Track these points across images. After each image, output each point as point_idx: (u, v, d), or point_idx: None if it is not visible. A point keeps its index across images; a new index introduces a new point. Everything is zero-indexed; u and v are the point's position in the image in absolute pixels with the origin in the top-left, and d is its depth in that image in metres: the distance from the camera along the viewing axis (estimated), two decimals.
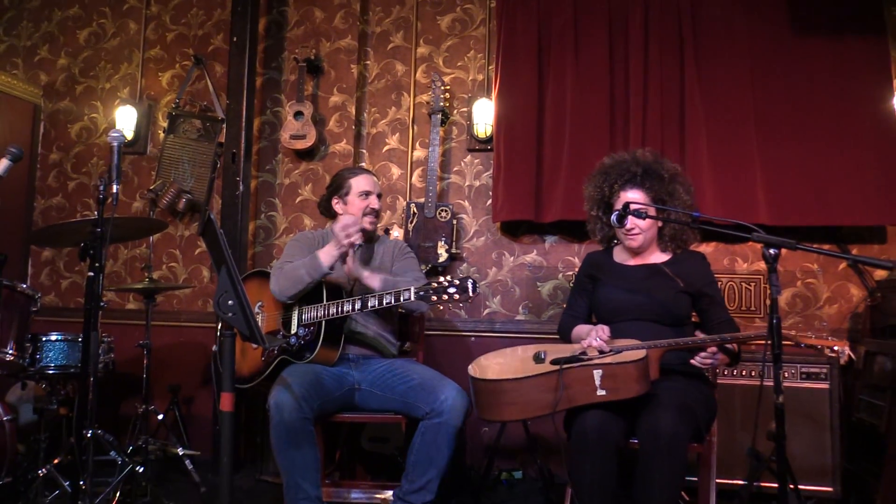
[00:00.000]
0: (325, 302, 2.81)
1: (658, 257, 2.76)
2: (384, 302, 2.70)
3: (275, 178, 4.34)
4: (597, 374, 2.34)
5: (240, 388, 3.00)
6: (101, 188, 2.52)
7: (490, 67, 4.19)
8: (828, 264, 3.83)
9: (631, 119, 3.85)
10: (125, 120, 4.43)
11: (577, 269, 3.73)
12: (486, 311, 4.12)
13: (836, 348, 2.28)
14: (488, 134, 4.10)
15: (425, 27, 4.32)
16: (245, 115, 4.07)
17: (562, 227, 3.98)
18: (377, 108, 4.33)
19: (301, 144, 4.16)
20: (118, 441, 3.30)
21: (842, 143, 3.69)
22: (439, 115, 4.05)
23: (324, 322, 2.80)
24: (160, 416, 3.85)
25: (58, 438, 3.36)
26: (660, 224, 2.71)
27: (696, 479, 2.75)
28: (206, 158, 4.34)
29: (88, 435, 2.82)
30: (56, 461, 3.09)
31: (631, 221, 2.62)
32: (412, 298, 2.63)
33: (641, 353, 2.35)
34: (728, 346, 2.48)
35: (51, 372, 3.25)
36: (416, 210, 4.00)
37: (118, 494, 3.02)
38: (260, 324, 3.01)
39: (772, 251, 2.11)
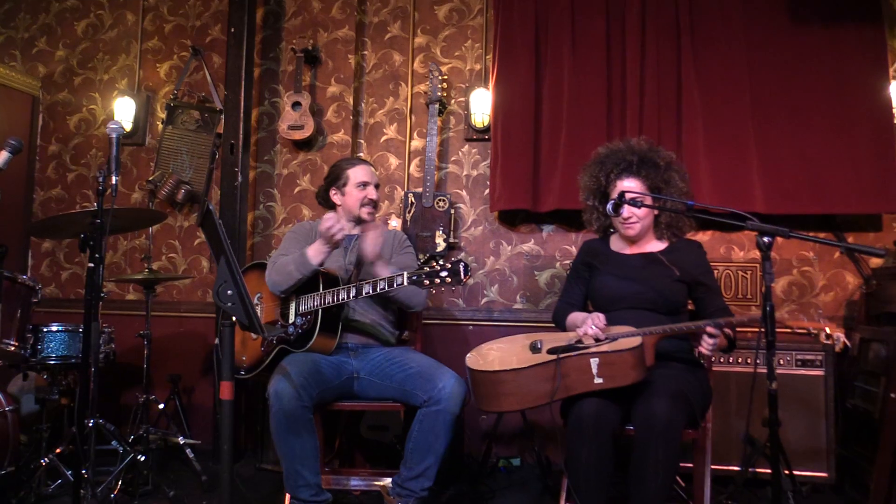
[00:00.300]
0: (321, 291, 2.83)
1: (655, 246, 2.77)
2: (378, 288, 2.72)
3: (273, 169, 4.36)
4: (594, 362, 2.35)
5: (240, 377, 3.03)
6: (101, 180, 2.54)
7: (487, 57, 4.19)
8: (823, 252, 3.85)
9: (628, 108, 3.86)
10: (123, 111, 4.44)
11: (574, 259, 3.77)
12: (484, 299, 4.15)
13: (829, 332, 2.30)
14: (486, 124, 4.11)
15: (423, 17, 4.32)
16: (243, 106, 4.08)
17: (559, 216, 4.00)
18: (375, 98, 4.34)
19: (299, 135, 4.17)
20: (119, 430, 3.33)
21: (838, 132, 3.70)
22: (437, 105, 4.05)
23: (320, 311, 2.82)
24: (161, 406, 3.88)
25: (59, 428, 3.40)
26: (656, 212, 2.73)
27: (691, 465, 2.77)
28: (204, 149, 4.35)
29: (90, 424, 2.85)
30: (58, 451, 3.13)
31: (628, 210, 2.64)
32: (405, 283, 2.65)
33: (637, 341, 2.37)
34: (724, 332, 2.50)
35: (52, 362, 3.29)
36: (413, 200, 4.02)
37: (120, 483, 3.06)
38: (259, 314, 3.03)
39: (765, 239, 2.13)
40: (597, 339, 2.46)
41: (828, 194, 3.69)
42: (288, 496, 2.76)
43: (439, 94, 4.05)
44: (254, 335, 3.03)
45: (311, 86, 4.31)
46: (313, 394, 2.67)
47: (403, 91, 4.30)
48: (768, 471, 2.21)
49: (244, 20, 4.09)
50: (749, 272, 3.80)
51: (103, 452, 3.22)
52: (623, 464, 2.38)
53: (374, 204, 3.08)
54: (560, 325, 2.82)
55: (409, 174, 4.25)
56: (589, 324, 2.50)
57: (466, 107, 4.18)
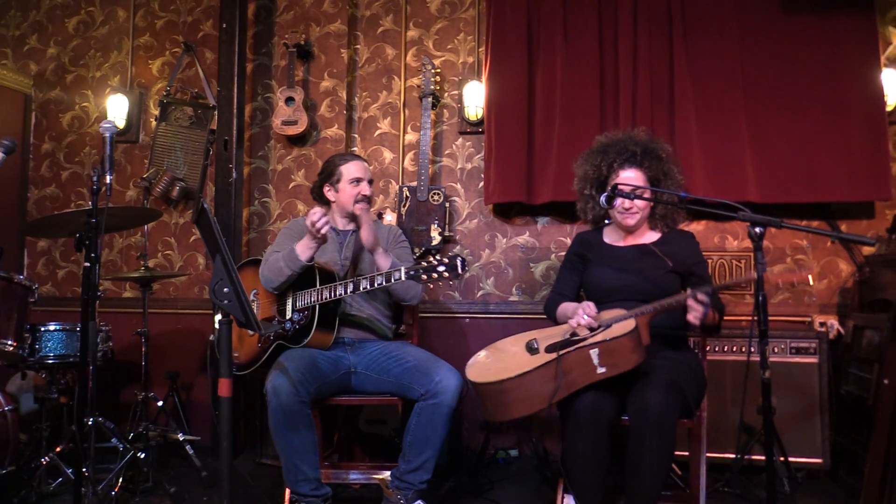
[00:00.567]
0: (317, 286, 2.84)
1: (648, 237, 2.79)
2: (375, 283, 2.73)
3: (267, 165, 4.36)
4: (593, 353, 2.34)
5: (238, 374, 3.04)
6: (95, 179, 2.54)
7: (480, 50, 4.19)
8: (817, 240, 3.87)
9: (621, 99, 3.87)
10: (116, 108, 4.43)
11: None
12: (480, 292, 4.16)
13: (810, 278, 2.30)
14: (479, 116, 4.11)
15: (415, 10, 4.32)
16: (236, 102, 4.07)
17: (554, 208, 4.01)
18: (368, 92, 4.34)
19: (293, 130, 4.17)
20: (119, 428, 3.35)
21: (830, 120, 3.72)
22: (430, 99, 4.06)
23: (317, 306, 2.83)
24: (160, 403, 3.89)
25: (59, 427, 3.41)
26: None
27: (687, 453, 2.80)
28: (198, 146, 4.35)
29: (90, 423, 2.87)
30: (58, 449, 3.14)
31: (628, 201, 2.65)
32: (403, 278, 2.66)
33: (631, 324, 2.37)
34: (708, 321, 2.50)
35: (50, 361, 3.29)
36: (408, 194, 4.02)
37: (120, 480, 3.06)
38: (255, 310, 3.04)
39: (757, 230, 2.15)
40: (591, 329, 2.46)
41: (821, 183, 3.70)
42: (288, 490, 2.79)
43: (432, 87, 4.06)
44: (250, 332, 3.04)
45: (305, 81, 4.31)
46: (311, 389, 2.69)
47: (397, 85, 4.30)
48: (764, 458, 2.22)
49: (236, 15, 4.08)
50: (743, 261, 3.82)
51: (103, 450, 3.23)
52: (619, 454, 2.39)
53: (368, 200, 3.09)
54: (551, 316, 2.83)
55: (403, 168, 4.25)
56: (580, 314, 2.50)
57: (460, 100, 4.18)
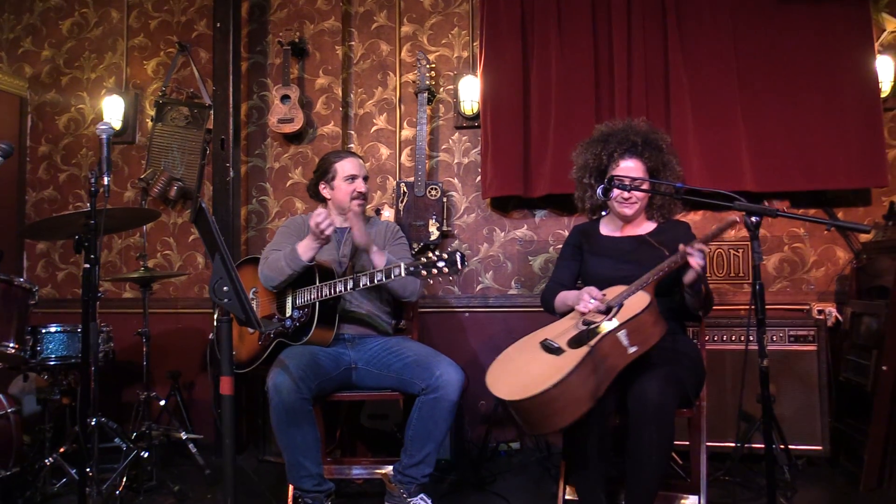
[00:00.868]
0: (317, 284, 2.85)
1: (645, 227, 2.80)
2: (375, 280, 2.74)
3: (264, 163, 4.36)
4: (622, 335, 2.33)
5: (239, 372, 3.05)
6: (93, 181, 2.54)
7: (474, 44, 4.20)
8: (814, 228, 3.88)
9: (616, 91, 3.87)
10: (112, 110, 4.43)
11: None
12: (479, 286, 4.17)
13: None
14: (475, 111, 4.12)
15: (408, 5, 4.32)
16: (232, 101, 4.08)
17: (551, 200, 4.02)
18: (363, 88, 4.34)
19: (289, 128, 4.18)
20: (122, 428, 3.36)
21: (826, 108, 3.72)
22: (426, 94, 4.06)
23: (317, 303, 2.84)
24: (162, 402, 3.90)
25: (62, 428, 3.42)
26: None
27: (687, 443, 2.82)
28: (195, 145, 4.35)
29: (92, 423, 2.88)
30: (62, 450, 3.16)
31: (603, 192, 2.65)
32: (402, 275, 2.67)
33: (646, 297, 2.38)
34: (691, 297, 2.53)
35: (52, 363, 3.31)
36: (406, 189, 4.03)
37: (124, 480, 3.08)
38: (255, 309, 3.06)
39: (753, 219, 2.16)
40: (603, 312, 2.44)
41: (817, 170, 3.71)
42: (291, 487, 2.81)
43: (428, 82, 4.06)
44: (250, 330, 3.05)
45: (300, 78, 4.31)
46: (312, 386, 2.70)
47: (392, 81, 4.30)
48: (764, 446, 2.24)
49: (230, 14, 4.08)
50: (741, 250, 3.83)
51: (106, 450, 3.26)
52: (620, 445, 2.41)
53: (364, 197, 3.09)
54: (548, 306, 2.83)
55: (400, 164, 4.26)
56: (586, 298, 2.50)
57: (455, 95, 4.19)
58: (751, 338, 3.23)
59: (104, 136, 2.62)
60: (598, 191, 2.65)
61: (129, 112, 4.49)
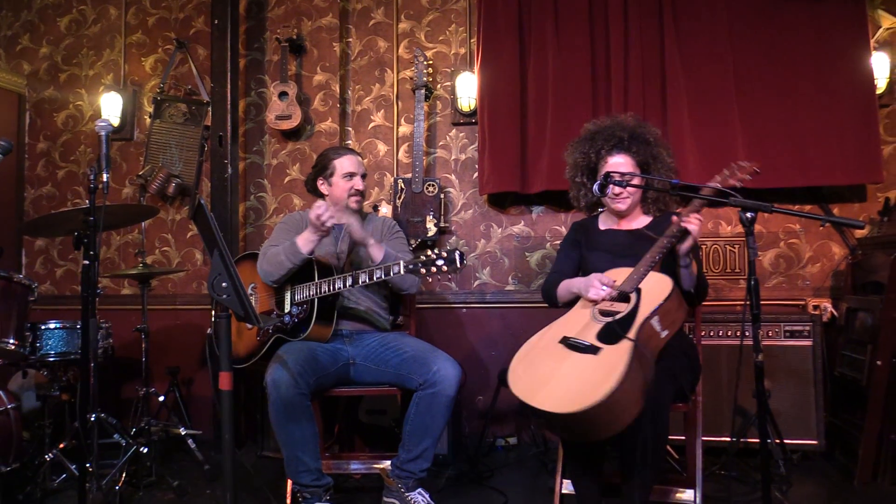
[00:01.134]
0: (316, 280, 2.86)
1: (641, 221, 2.81)
2: (375, 277, 2.75)
3: (262, 160, 4.37)
4: (655, 321, 2.32)
5: (237, 367, 3.06)
6: (92, 177, 2.55)
7: (472, 41, 4.21)
8: (809, 224, 3.90)
9: (612, 88, 3.89)
10: (110, 107, 4.44)
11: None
12: (476, 282, 4.19)
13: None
14: (472, 107, 4.13)
15: (406, 2, 4.32)
16: (230, 98, 4.08)
17: (548, 197, 4.03)
18: (361, 85, 4.35)
19: (287, 125, 4.19)
20: (121, 424, 3.38)
21: (821, 105, 3.74)
22: (423, 91, 4.07)
23: (316, 300, 2.86)
24: (161, 398, 3.92)
25: (61, 424, 3.43)
26: None
27: (683, 437, 2.83)
28: (193, 142, 4.36)
29: (92, 419, 2.89)
30: (62, 446, 3.17)
31: (599, 187, 2.66)
32: (402, 273, 2.69)
33: (668, 280, 2.39)
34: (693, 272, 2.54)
35: (51, 359, 3.33)
36: (403, 186, 4.04)
37: (124, 475, 3.09)
38: (254, 304, 3.07)
39: (748, 215, 2.17)
40: (618, 299, 2.42)
41: (813, 167, 3.73)
42: (290, 482, 2.82)
43: (425, 79, 4.07)
44: (249, 325, 3.07)
45: (297, 75, 4.32)
46: (310, 381, 2.71)
47: (389, 77, 4.31)
48: (759, 440, 2.25)
49: (227, 11, 4.08)
50: (736, 246, 3.85)
51: (106, 446, 3.27)
52: (616, 440, 2.42)
53: (361, 194, 3.11)
54: (550, 296, 2.81)
55: (397, 160, 4.27)
56: (597, 285, 2.48)
57: (453, 91, 4.20)
58: (746, 333, 3.26)
59: (103, 133, 2.64)
60: (595, 187, 2.66)
61: (128, 109, 4.50)
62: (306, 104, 4.30)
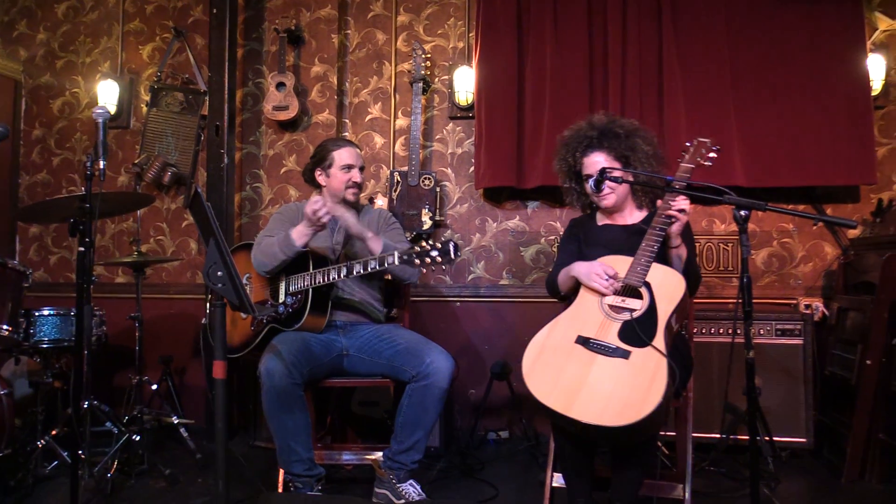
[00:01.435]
0: (311, 271, 2.87)
1: (636, 216, 2.82)
2: (369, 267, 2.76)
3: (259, 150, 4.37)
4: (673, 318, 2.32)
5: (231, 357, 3.07)
6: (88, 164, 2.55)
7: (470, 35, 4.21)
8: (803, 224, 3.92)
9: (610, 85, 3.90)
10: (107, 94, 4.42)
11: (559, 234, 3.82)
12: (471, 276, 4.20)
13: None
14: (470, 101, 4.13)
15: None
16: (227, 88, 4.08)
17: (543, 192, 4.04)
18: (359, 77, 4.35)
19: (284, 115, 4.19)
20: (114, 412, 3.38)
21: (817, 106, 3.75)
22: (421, 84, 4.07)
23: (311, 290, 2.86)
24: (154, 387, 3.91)
25: (54, 411, 3.44)
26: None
27: (673, 433, 2.85)
28: (189, 131, 4.36)
29: (85, 406, 2.89)
30: (54, 433, 3.17)
31: (595, 184, 2.67)
32: (396, 263, 2.70)
33: (679, 275, 2.39)
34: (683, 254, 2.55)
35: (45, 346, 3.33)
36: (399, 178, 4.05)
37: (116, 463, 3.10)
38: (249, 294, 3.07)
39: (742, 213, 2.18)
40: (626, 293, 2.40)
41: (807, 167, 3.75)
42: (282, 471, 2.84)
43: (423, 72, 4.07)
44: (243, 315, 3.08)
45: (295, 66, 4.31)
46: (304, 371, 2.72)
47: (387, 70, 4.31)
48: (749, 437, 2.27)
49: (226, 1, 4.07)
50: (730, 244, 3.87)
51: (98, 434, 3.27)
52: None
53: (359, 186, 3.11)
54: (554, 289, 2.78)
55: (394, 153, 4.27)
56: (601, 278, 2.43)
57: (450, 85, 4.20)
58: (738, 331, 3.29)
59: (100, 120, 2.64)
60: (591, 184, 2.67)
61: (124, 97, 4.48)
62: (304, 95, 4.29)
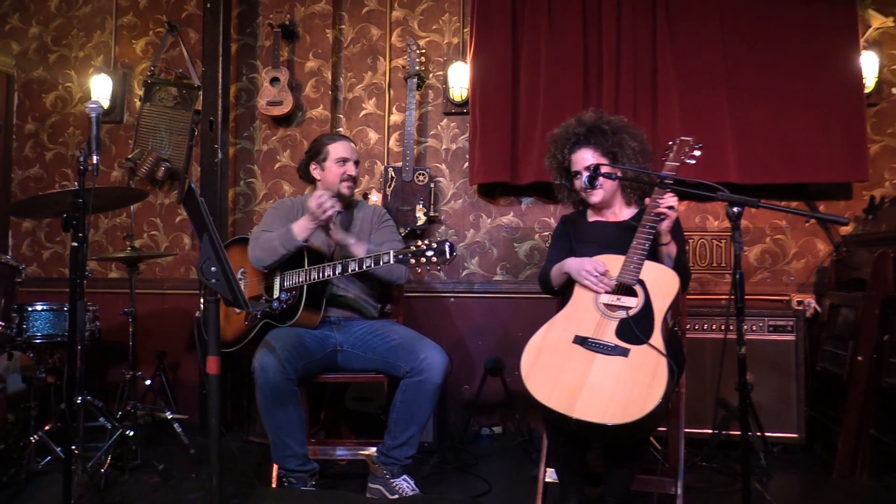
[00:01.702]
0: (306, 267, 2.87)
1: (626, 212, 2.82)
2: (364, 266, 2.76)
3: (253, 145, 4.36)
4: (668, 315, 2.34)
5: (224, 352, 3.07)
6: (82, 159, 2.54)
7: (465, 30, 4.20)
8: (795, 220, 3.95)
9: (604, 82, 3.91)
10: (100, 89, 4.41)
11: (553, 230, 3.82)
12: (465, 272, 4.21)
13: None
14: (464, 97, 4.13)
15: None
16: (221, 82, 4.07)
17: (538, 188, 4.05)
18: (353, 72, 4.34)
19: (278, 111, 4.18)
20: (107, 407, 3.37)
21: (809, 103, 3.78)
22: (415, 80, 4.07)
23: (305, 286, 2.86)
24: (147, 382, 3.90)
25: (47, 406, 3.42)
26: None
27: (666, 428, 2.86)
28: (183, 126, 4.34)
29: (78, 401, 2.89)
30: (47, 428, 3.16)
31: (588, 180, 2.68)
32: (391, 262, 2.70)
33: (674, 275, 2.39)
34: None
35: (38, 341, 3.32)
36: (393, 174, 4.05)
37: (109, 458, 3.09)
38: (243, 289, 3.07)
39: (735, 209, 2.19)
40: (620, 291, 2.40)
41: (800, 164, 3.77)
42: (276, 467, 2.83)
43: (417, 68, 4.07)
44: (237, 310, 3.07)
45: (289, 61, 4.30)
46: (298, 367, 2.72)
47: (382, 65, 4.30)
48: (740, 433, 2.29)
49: None
50: (723, 241, 3.89)
51: (92, 429, 3.27)
52: None
53: (354, 180, 3.11)
54: (547, 286, 2.78)
55: (388, 149, 4.27)
56: (591, 275, 2.44)
57: (445, 81, 4.20)
58: (730, 327, 3.31)
59: (94, 115, 2.62)
60: (584, 180, 2.68)
61: (117, 91, 4.47)
62: (298, 90, 4.28)
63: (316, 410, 3.58)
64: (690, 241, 3.88)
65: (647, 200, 2.51)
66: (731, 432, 3.35)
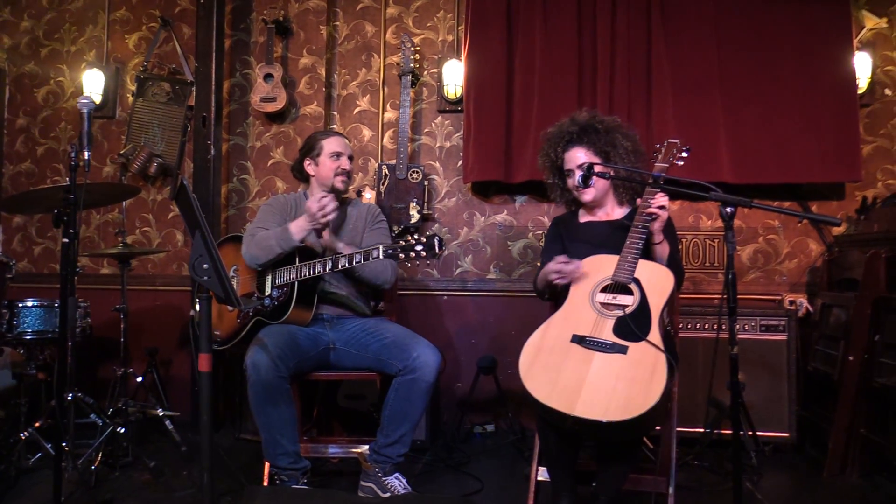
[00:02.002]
0: (297, 264, 2.86)
1: (618, 212, 2.83)
2: (354, 261, 2.76)
3: (246, 142, 4.35)
4: (664, 312, 2.34)
5: (216, 349, 3.06)
6: (73, 155, 2.52)
7: (459, 28, 4.20)
8: (788, 220, 3.96)
9: (598, 80, 3.91)
10: (92, 84, 4.38)
11: (547, 229, 3.81)
12: (458, 270, 4.20)
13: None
14: (458, 95, 4.13)
15: None
16: (214, 78, 4.05)
17: (531, 186, 4.05)
18: (347, 69, 4.33)
19: (271, 107, 4.17)
20: (98, 404, 3.35)
21: (803, 103, 3.79)
22: (409, 77, 4.06)
23: (296, 283, 2.86)
24: (139, 379, 3.90)
25: (37, 403, 3.41)
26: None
27: (658, 427, 2.87)
28: (176, 122, 4.32)
29: (69, 398, 2.87)
30: (37, 425, 3.14)
31: (582, 179, 2.68)
32: (381, 257, 2.70)
33: (669, 273, 2.40)
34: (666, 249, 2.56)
35: (28, 338, 3.30)
36: (387, 172, 4.04)
37: (100, 455, 3.08)
38: (235, 287, 3.06)
39: (728, 209, 2.20)
40: (617, 290, 2.39)
41: (793, 164, 3.78)
42: (267, 464, 2.83)
43: (412, 65, 4.06)
44: (230, 307, 3.06)
45: (283, 57, 4.29)
46: (290, 364, 2.72)
47: (376, 62, 4.29)
48: (732, 432, 2.29)
49: None
50: (716, 240, 3.89)
51: (82, 426, 3.26)
52: None
53: (348, 174, 3.10)
54: (538, 292, 2.79)
55: (382, 146, 4.26)
56: (555, 266, 2.48)
57: (439, 78, 4.19)
58: (723, 326, 3.30)
59: (85, 110, 2.60)
60: (578, 179, 2.68)
61: (110, 86, 4.44)
62: (291, 87, 4.27)
63: (308, 408, 3.57)
64: (683, 240, 3.88)
65: (639, 201, 2.51)
66: (723, 431, 3.36)
